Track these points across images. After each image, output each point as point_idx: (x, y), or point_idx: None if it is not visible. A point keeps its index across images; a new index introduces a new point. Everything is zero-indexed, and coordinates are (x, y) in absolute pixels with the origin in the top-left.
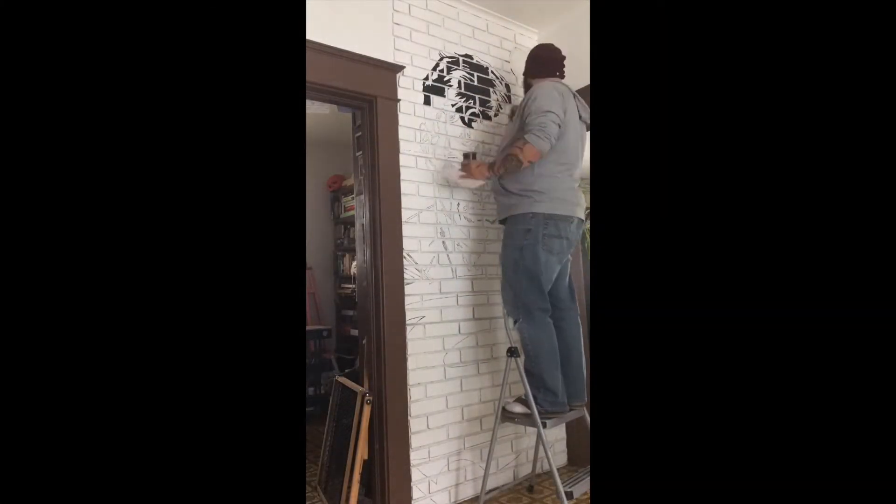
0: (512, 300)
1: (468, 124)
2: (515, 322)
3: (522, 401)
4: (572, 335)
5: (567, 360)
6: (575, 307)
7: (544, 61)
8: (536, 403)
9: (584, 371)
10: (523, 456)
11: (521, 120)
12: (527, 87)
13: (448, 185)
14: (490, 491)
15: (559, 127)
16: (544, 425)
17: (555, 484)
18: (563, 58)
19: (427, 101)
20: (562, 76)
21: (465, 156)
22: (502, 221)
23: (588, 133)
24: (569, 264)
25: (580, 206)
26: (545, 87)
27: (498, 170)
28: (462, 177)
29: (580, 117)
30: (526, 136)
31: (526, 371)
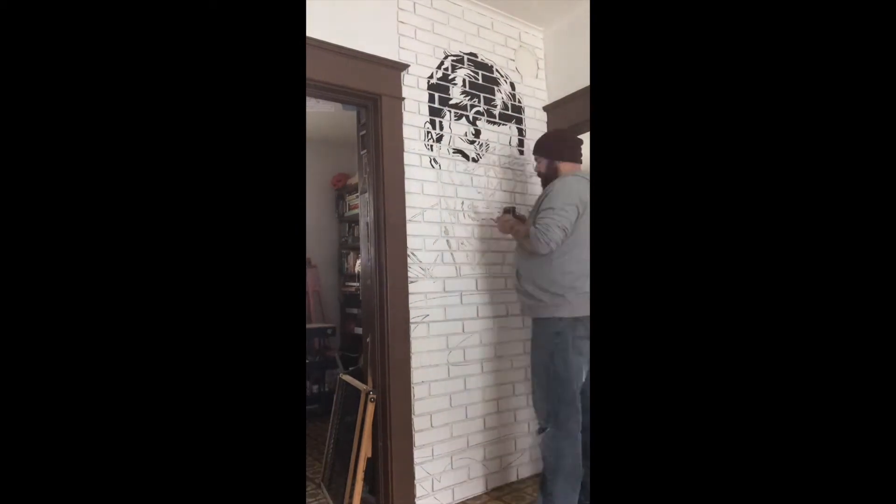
0: (543, 407)
1: (473, 122)
2: (541, 430)
3: None
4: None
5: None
6: None
7: (571, 145)
8: None
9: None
10: (525, 455)
11: (537, 207)
12: (551, 170)
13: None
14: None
15: (564, 232)
16: None
17: None
18: (581, 142)
19: (435, 109)
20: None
21: (506, 210)
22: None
23: None
24: None
25: None
26: (569, 183)
27: (518, 238)
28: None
29: None
30: (531, 229)
31: (541, 485)
